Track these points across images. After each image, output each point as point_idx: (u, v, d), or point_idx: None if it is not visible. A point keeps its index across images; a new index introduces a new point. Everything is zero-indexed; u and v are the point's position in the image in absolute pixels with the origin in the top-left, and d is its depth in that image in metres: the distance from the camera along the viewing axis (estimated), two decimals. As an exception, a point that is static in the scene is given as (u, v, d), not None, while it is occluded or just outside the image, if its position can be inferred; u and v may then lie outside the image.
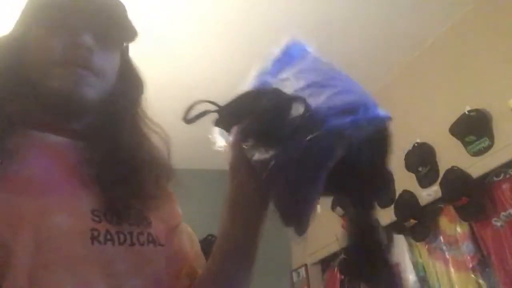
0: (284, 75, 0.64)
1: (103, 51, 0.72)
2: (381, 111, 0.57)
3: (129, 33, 0.77)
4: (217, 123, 0.65)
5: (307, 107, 0.55)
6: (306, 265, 3.28)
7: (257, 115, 0.59)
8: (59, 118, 0.71)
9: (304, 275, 3.28)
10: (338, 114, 0.55)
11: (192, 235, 0.83)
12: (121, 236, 0.66)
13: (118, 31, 0.75)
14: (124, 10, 0.76)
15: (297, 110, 0.56)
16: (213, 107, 0.63)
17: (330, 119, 0.55)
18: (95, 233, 0.63)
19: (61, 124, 0.72)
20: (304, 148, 0.54)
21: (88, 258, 0.62)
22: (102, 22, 0.72)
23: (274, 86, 0.62)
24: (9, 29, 0.75)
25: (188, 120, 0.61)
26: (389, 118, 0.58)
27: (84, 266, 0.61)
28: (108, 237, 0.65)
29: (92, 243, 0.63)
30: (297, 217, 0.58)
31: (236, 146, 0.65)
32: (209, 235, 3.41)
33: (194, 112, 0.61)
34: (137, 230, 0.69)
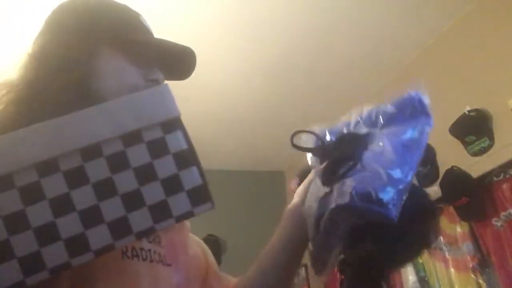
0: (381, 130, 0.68)
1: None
2: (393, 210, 0.59)
3: (188, 75, 0.81)
4: (315, 155, 0.73)
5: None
6: (306, 265, 3.28)
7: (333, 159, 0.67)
8: None
9: (304, 275, 3.29)
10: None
11: (202, 244, 0.87)
12: (143, 253, 0.68)
13: (180, 73, 0.79)
14: (194, 55, 0.78)
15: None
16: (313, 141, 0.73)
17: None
18: (124, 248, 0.65)
19: None
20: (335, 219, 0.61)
21: (121, 273, 0.64)
22: (174, 63, 0.76)
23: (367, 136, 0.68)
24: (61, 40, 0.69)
25: (296, 147, 0.71)
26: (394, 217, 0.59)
27: (118, 281, 0.63)
28: (135, 252, 0.67)
29: (123, 258, 0.65)
30: (323, 268, 0.69)
31: (301, 195, 0.74)
32: (209, 235, 3.43)
33: (298, 140, 0.71)
34: (153, 248, 0.71)
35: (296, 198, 0.75)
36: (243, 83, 2.85)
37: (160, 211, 0.51)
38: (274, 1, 2.25)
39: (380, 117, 0.68)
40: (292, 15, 2.35)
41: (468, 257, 2.24)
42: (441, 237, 2.42)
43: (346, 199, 0.58)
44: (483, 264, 2.23)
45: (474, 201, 2.21)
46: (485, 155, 2.23)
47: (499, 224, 2.15)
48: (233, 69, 2.71)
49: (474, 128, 2.27)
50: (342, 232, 0.61)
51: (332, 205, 0.60)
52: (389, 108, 0.69)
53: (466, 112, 2.30)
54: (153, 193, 0.51)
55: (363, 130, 0.68)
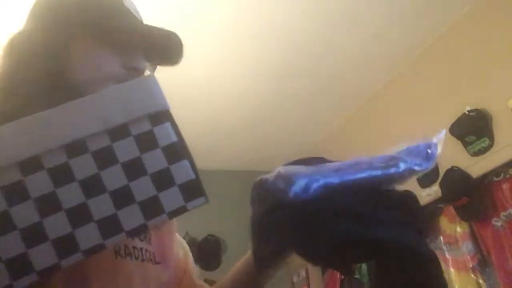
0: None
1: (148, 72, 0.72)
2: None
3: (175, 61, 0.76)
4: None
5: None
6: (306, 265, 3.28)
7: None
8: None
9: (304, 275, 3.29)
10: None
11: (186, 248, 0.85)
12: (136, 252, 0.68)
13: (167, 60, 0.75)
14: (179, 40, 0.74)
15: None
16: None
17: None
18: (116, 248, 0.65)
19: None
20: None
21: (115, 273, 0.63)
22: (157, 50, 0.72)
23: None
24: (33, 28, 0.69)
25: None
26: None
27: (113, 281, 0.63)
28: (127, 251, 0.66)
29: (116, 257, 0.64)
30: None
31: None
32: (209, 235, 3.43)
33: None
34: (145, 246, 0.70)
35: None
36: (245, 84, 2.86)
37: (152, 207, 0.49)
38: (277, 3, 2.25)
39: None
40: (296, 18, 2.35)
41: (468, 257, 2.25)
42: (441, 237, 2.43)
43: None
44: (483, 264, 2.23)
45: (474, 201, 2.21)
46: (485, 155, 2.23)
47: (499, 224, 2.15)
48: (236, 71, 2.71)
49: (474, 128, 2.27)
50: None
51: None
52: (416, 166, 0.58)
53: (466, 112, 2.30)
54: (143, 188, 0.49)
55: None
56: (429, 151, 0.61)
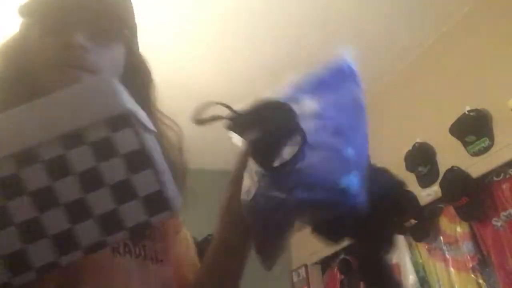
0: (313, 98, 0.60)
1: (100, 47, 0.67)
2: (360, 198, 0.52)
3: (125, 23, 0.72)
4: (230, 129, 0.63)
5: (299, 153, 0.53)
6: (306, 265, 3.28)
7: (263, 133, 0.58)
8: None
9: (304, 275, 3.28)
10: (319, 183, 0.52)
11: (189, 241, 0.83)
12: (137, 249, 0.66)
13: (113, 23, 0.70)
14: (117, 1, 0.71)
15: (293, 148, 0.54)
16: (226, 112, 0.61)
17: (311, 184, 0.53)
18: (115, 245, 0.63)
19: None
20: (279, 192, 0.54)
21: (112, 271, 0.62)
22: (95, 17, 0.67)
23: (297, 106, 0.58)
24: (14, 30, 0.72)
25: (199, 121, 0.61)
26: (363, 205, 0.52)
27: (108, 279, 0.61)
28: (127, 249, 0.65)
29: (113, 255, 0.63)
30: (266, 254, 0.61)
31: (242, 158, 0.64)
32: (209, 235, 3.42)
33: (204, 114, 0.61)
34: (148, 243, 0.69)
35: (228, 191, 0.66)
36: (244, 84, 2.85)
37: (110, 222, 0.45)
38: (273, 2, 2.25)
39: (310, 86, 0.61)
40: (294, 16, 2.35)
41: (468, 257, 2.24)
42: (441, 237, 2.43)
43: (302, 193, 0.52)
44: (483, 264, 2.23)
45: (474, 201, 2.21)
46: (485, 155, 2.23)
47: (499, 224, 2.15)
48: (234, 70, 2.71)
49: (474, 128, 2.27)
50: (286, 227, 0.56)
51: (289, 200, 0.53)
52: (317, 78, 0.62)
53: (466, 112, 2.30)
54: (100, 202, 0.45)
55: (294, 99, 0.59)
56: (350, 66, 0.63)
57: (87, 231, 0.45)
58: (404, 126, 2.67)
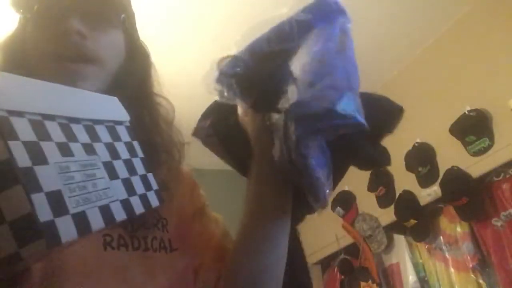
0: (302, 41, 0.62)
1: (97, 33, 0.64)
2: (359, 117, 0.56)
3: (123, 8, 0.69)
4: (234, 93, 0.62)
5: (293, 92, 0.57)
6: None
7: (262, 83, 0.60)
8: None
9: (304, 275, 3.28)
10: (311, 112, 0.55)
11: (217, 217, 0.79)
12: (135, 241, 0.63)
13: (110, 8, 0.67)
14: None
15: (291, 89, 0.57)
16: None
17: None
18: (108, 239, 0.61)
19: None
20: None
21: (101, 265, 0.59)
22: (92, 2, 0.65)
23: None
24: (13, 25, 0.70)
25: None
26: (362, 125, 0.56)
27: (96, 274, 0.59)
28: (122, 242, 0.62)
29: (105, 249, 0.60)
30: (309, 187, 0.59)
31: (254, 116, 0.63)
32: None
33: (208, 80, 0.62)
34: (152, 234, 0.66)
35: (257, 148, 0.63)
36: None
37: None
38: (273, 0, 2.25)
39: (295, 28, 0.61)
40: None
41: (468, 257, 2.25)
42: (441, 237, 2.43)
43: (312, 124, 0.55)
44: (483, 264, 2.23)
45: (474, 201, 2.21)
46: (485, 155, 2.23)
47: (499, 224, 2.15)
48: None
49: (474, 128, 2.27)
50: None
51: (297, 132, 0.55)
52: (303, 15, 0.62)
53: (466, 112, 2.30)
54: None
55: (283, 45, 0.61)
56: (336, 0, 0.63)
57: None
58: (404, 126, 2.67)
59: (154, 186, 0.56)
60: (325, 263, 3.18)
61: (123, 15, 0.70)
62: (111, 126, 0.54)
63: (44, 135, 0.42)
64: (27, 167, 0.38)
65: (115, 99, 0.58)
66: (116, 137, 0.54)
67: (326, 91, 0.55)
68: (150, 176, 0.56)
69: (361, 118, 0.55)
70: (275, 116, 0.59)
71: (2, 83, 0.41)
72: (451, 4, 2.40)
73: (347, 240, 2.91)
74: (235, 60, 0.62)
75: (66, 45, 0.62)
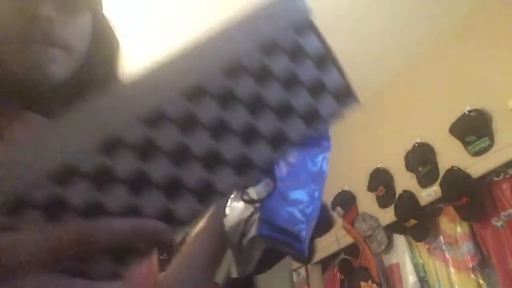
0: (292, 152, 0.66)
1: (66, 18, 0.62)
2: (303, 248, 0.61)
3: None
4: None
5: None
6: (306, 265, 3.28)
7: None
8: (28, 106, 0.63)
9: (304, 275, 3.29)
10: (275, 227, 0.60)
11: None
12: None
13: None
14: None
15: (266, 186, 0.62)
16: None
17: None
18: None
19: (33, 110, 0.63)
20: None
21: None
22: None
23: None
24: None
25: None
26: (304, 257, 0.62)
27: None
28: None
29: None
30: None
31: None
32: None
33: None
34: None
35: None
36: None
37: (311, 116, 0.46)
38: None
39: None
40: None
41: (468, 257, 2.24)
42: (441, 237, 2.43)
43: (264, 229, 0.60)
44: (483, 264, 2.23)
45: (474, 201, 2.21)
46: (485, 155, 2.23)
47: (499, 224, 2.15)
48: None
49: (474, 128, 2.27)
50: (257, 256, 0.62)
51: (253, 233, 0.61)
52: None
53: (466, 112, 2.30)
54: (300, 99, 0.46)
55: None
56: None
57: (293, 126, 0.45)
58: (404, 126, 2.68)
59: None
60: (325, 263, 3.18)
61: (96, 2, 0.68)
62: None
63: None
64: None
65: None
66: None
67: (297, 214, 0.61)
68: None
69: (306, 250, 0.61)
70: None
71: None
72: (451, 4, 2.40)
73: (347, 240, 2.91)
74: None
75: (36, 31, 0.59)
